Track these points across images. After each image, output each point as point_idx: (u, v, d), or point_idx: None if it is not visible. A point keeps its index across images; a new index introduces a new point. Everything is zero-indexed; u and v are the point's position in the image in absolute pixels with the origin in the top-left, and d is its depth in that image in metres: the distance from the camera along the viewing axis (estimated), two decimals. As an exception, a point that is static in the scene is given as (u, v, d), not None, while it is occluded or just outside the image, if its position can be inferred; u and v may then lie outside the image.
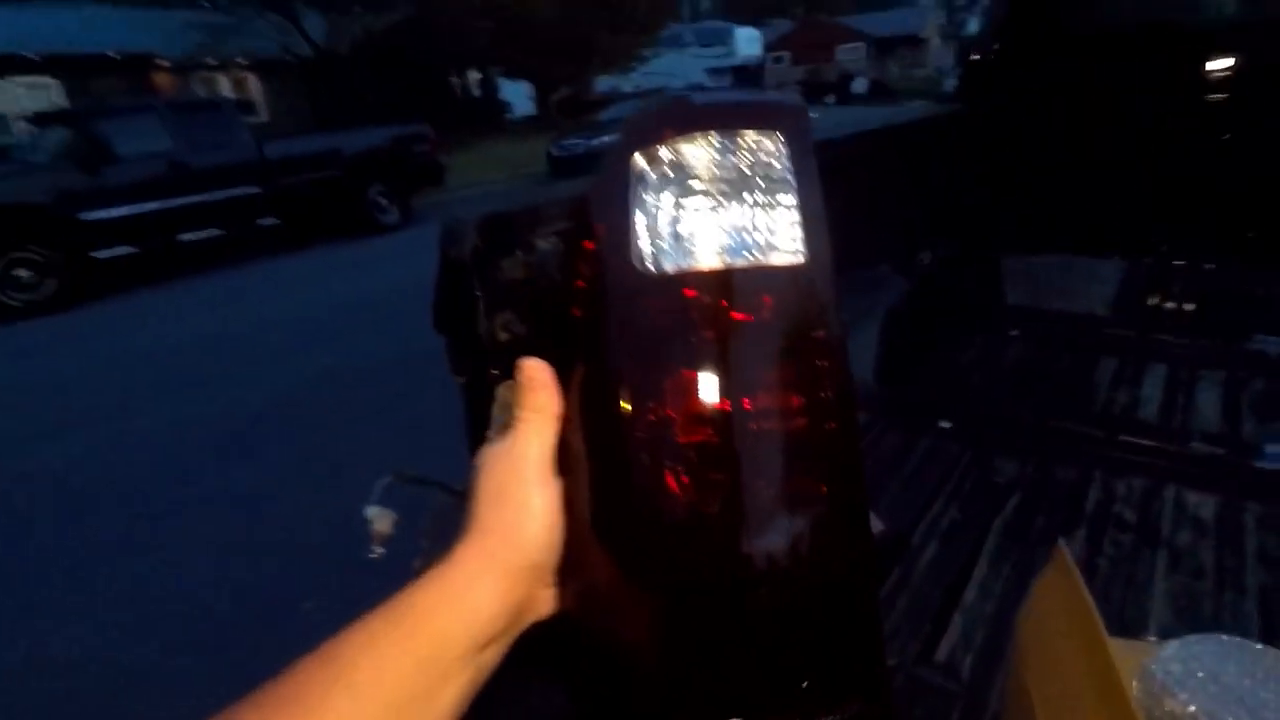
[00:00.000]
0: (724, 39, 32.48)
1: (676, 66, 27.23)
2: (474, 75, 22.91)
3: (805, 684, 0.35)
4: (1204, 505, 1.07)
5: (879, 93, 28.19)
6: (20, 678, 2.13)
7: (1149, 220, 1.97)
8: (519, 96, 23.79)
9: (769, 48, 37.49)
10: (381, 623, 0.37)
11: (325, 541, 2.44)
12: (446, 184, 10.59)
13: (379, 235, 8.99)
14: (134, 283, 7.43)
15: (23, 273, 6.71)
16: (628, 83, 23.52)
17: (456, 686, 0.38)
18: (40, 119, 8.89)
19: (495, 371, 0.62)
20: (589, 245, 0.40)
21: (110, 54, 15.28)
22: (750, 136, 0.36)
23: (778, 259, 0.35)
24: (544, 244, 0.75)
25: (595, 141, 11.85)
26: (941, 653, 0.86)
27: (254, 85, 17.31)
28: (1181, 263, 1.92)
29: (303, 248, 8.55)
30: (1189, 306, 1.83)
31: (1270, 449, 1.18)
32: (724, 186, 0.36)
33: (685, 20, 34.52)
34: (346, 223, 9.08)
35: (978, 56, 2.23)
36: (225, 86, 16.71)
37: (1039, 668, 0.62)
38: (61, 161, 7.08)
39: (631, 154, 0.37)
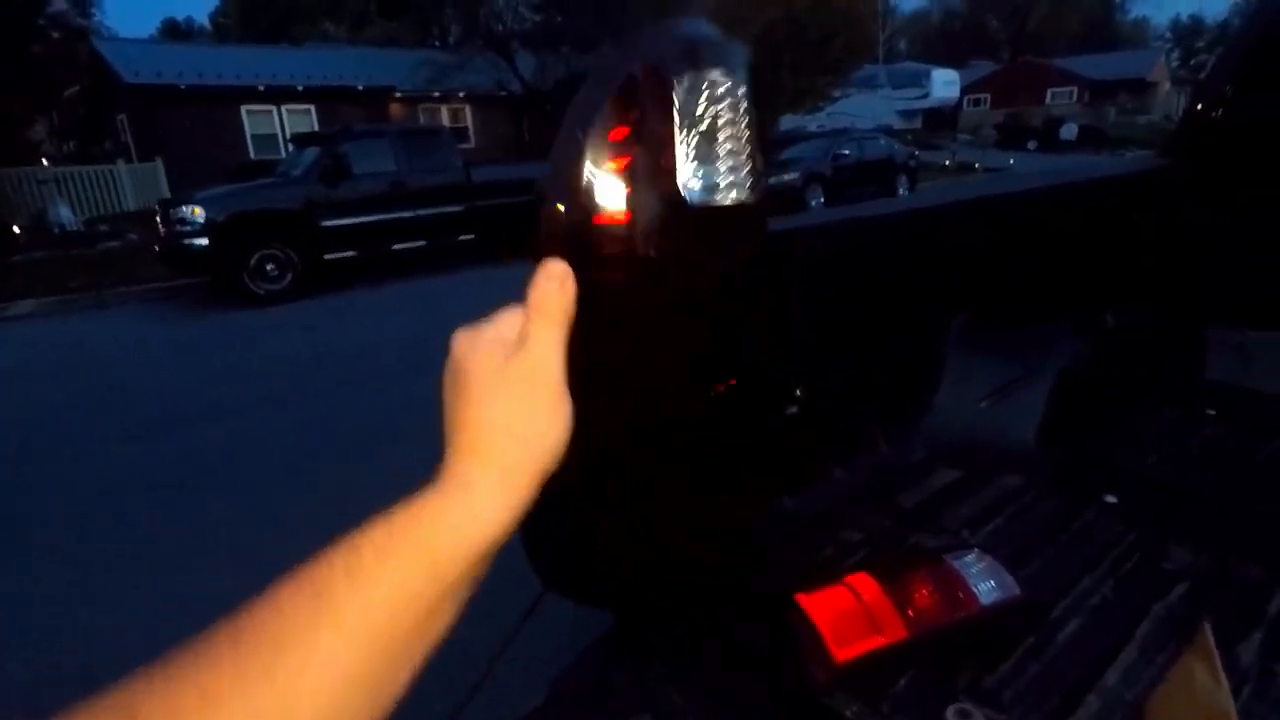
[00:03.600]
0: (919, 80, 31.34)
1: (865, 108, 26.65)
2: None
3: None
4: None
5: (1090, 139, 25.78)
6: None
7: None
8: (702, 132, 24.31)
9: (968, 90, 35.64)
10: (372, 549, 0.34)
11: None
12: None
13: (559, 256, 9.61)
14: (352, 283, 8.51)
15: (270, 267, 7.94)
16: (813, 122, 23.38)
17: (450, 614, 0.36)
18: (299, 139, 10.52)
19: None
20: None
21: (357, 86, 17.72)
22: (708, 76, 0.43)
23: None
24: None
25: (772, 180, 11.92)
26: (1070, 729, 0.82)
27: (468, 115, 19.27)
28: None
29: (493, 262, 9.35)
30: None
31: None
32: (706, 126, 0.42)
33: (881, 62, 33.75)
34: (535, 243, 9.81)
35: (1202, 105, 2.04)
36: (445, 116, 18.75)
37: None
38: (311, 176, 8.31)
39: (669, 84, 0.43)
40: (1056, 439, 1.41)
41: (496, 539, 0.36)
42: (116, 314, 8.38)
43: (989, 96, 37.29)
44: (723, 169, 0.41)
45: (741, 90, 0.42)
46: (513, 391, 0.37)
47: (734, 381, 0.44)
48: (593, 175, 0.40)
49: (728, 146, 0.42)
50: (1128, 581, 1.05)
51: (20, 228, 12.00)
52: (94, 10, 19.47)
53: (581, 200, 0.41)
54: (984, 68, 39.60)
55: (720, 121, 0.41)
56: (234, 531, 2.99)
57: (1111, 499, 1.24)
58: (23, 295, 8.72)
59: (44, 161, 16.81)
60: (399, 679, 0.34)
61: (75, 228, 12.52)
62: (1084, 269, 1.68)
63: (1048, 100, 34.90)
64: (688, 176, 0.41)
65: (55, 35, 18.00)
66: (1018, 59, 40.00)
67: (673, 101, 0.41)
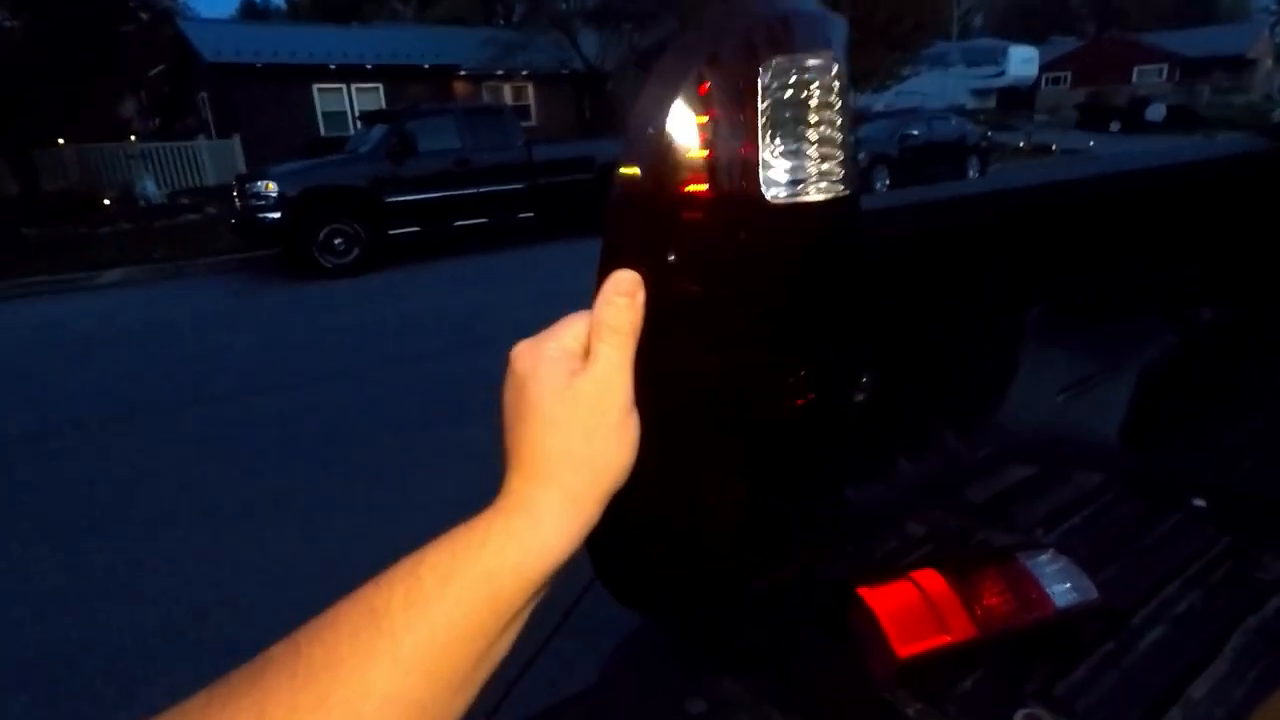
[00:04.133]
0: (994, 58, 29.93)
1: (936, 86, 25.66)
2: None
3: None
4: None
5: (1180, 120, 24.21)
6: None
7: None
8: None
9: (1047, 67, 33.90)
10: (435, 577, 0.33)
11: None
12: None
13: (617, 235, 9.62)
14: (415, 257, 8.71)
15: (338, 241, 8.18)
16: (879, 101, 22.68)
17: (510, 640, 0.35)
18: (367, 118, 10.77)
19: None
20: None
21: (423, 65, 17.98)
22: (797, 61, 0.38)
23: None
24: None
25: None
26: (1151, 743, 0.78)
27: (530, 93, 19.35)
28: None
29: (551, 239, 9.42)
30: None
31: None
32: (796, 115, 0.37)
33: (955, 38, 32.38)
34: (592, 221, 9.84)
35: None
36: (507, 94, 18.89)
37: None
38: (379, 153, 8.50)
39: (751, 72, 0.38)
40: (1140, 438, 1.34)
41: (558, 564, 0.35)
42: (193, 283, 8.80)
43: (1070, 74, 35.36)
44: (812, 161, 0.37)
45: (837, 74, 0.38)
46: (577, 413, 0.35)
47: (813, 396, 0.41)
48: (669, 168, 0.37)
49: (819, 136, 0.37)
50: (1217, 591, 0.99)
51: (110, 200, 12.67)
52: (178, -9, 20.18)
53: (656, 195, 0.38)
54: (1066, 44, 37.55)
55: (812, 108, 0.37)
56: (283, 496, 3.11)
57: (1200, 503, 1.17)
58: (112, 265, 9.23)
59: (132, 138, 17.69)
60: (456, 706, 0.34)
61: (159, 201, 13.17)
62: (1175, 259, 1.58)
63: (1134, 79, 32.91)
64: (774, 170, 0.37)
65: (144, 17, 18.79)
66: (1103, 34, 37.80)
67: (757, 87, 0.36)
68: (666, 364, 0.39)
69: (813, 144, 0.37)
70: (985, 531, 1.11)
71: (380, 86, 17.74)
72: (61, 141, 14.29)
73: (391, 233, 8.50)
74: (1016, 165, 17.04)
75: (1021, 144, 19.94)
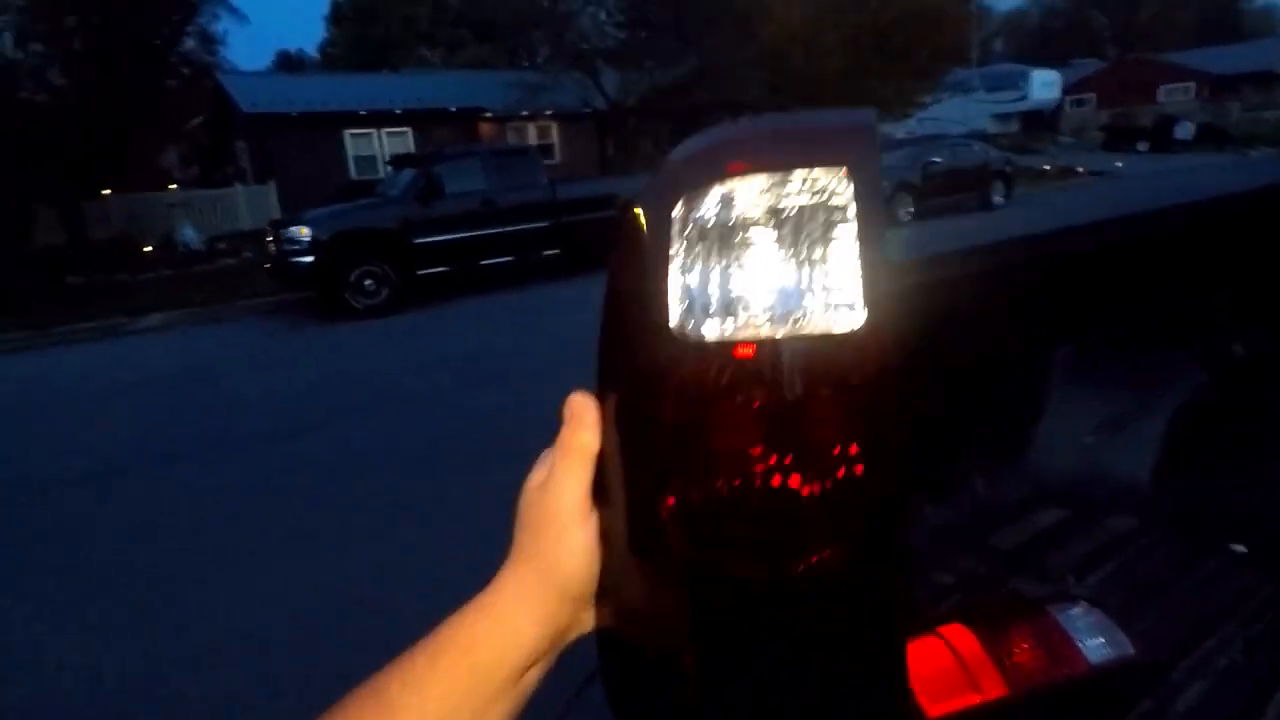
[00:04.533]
0: (1016, 83, 29.89)
1: (958, 112, 25.66)
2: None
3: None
4: None
5: (1210, 138, 23.84)
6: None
7: None
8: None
9: (1070, 90, 33.74)
10: (425, 657, 0.38)
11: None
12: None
13: (641, 270, 9.70)
14: (444, 297, 8.86)
15: (368, 282, 8.36)
16: (900, 129, 22.73)
17: (500, 712, 0.39)
18: (396, 161, 11.08)
19: None
20: (624, 307, 0.37)
21: (450, 108, 18.50)
22: (806, 175, 0.31)
23: (833, 324, 0.30)
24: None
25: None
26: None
27: (554, 132, 19.77)
28: None
29: (574, 276, 9.53)
30: None
31: None
32: (775, 237, 0.31)
33: (975, 64, 32.45)
34: (615, 258, 9.95)
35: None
36: (532, 134, 19.31)
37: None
38: (408, 196, 8.72)
39: (669, 200, 0.33)
40: (1174, 479, 1.30)
41: (531, 653, 0.39)
42: (230, 327, 9.05)
43: (1094, 96, 35.14)
44: (817, 292, 0.31)
45: (854, 202, 0.31)
46: (529, 512, 0.41)
47: (836, 549, 0.34)
48: (656, 298, 0.32)
49: (830, 267, 0.31)
50: (1260, 643, 0.96)
51: (152, 247, 13.15)
52: (218, 47, 21.13)
53: (646, 327, 0.33)
54: (1088, 66, 37.38)
55: (818, 236, 0.31)
56: (305, 538, 3.15)
57: (1240, 548, 1.13)
58: (151, 310, 9.54)
59: (172, 186, 18.40)
60: None
61: (198, 246, 13.62)
62: (1206, 292, 1.56)
63: (1160, 98, 32.59)
64: (766, 303, 0.31)
65: (185, 71, 19.67)
66: (1126, 56, 37.60)
67: (735, 211, 0.32)
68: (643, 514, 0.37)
69: (819, 275, 0.31)
70: (1014, 580, 1.09)
71: (409, 130, 18.27)
72: (107, 192, 14.91)
73: (420, 273, 8.67)
74: (1044, 189, 16.90)
75: (1047, 167, 19.79)
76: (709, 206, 0.32)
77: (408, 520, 3.24)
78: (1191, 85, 33.17)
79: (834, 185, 0.31)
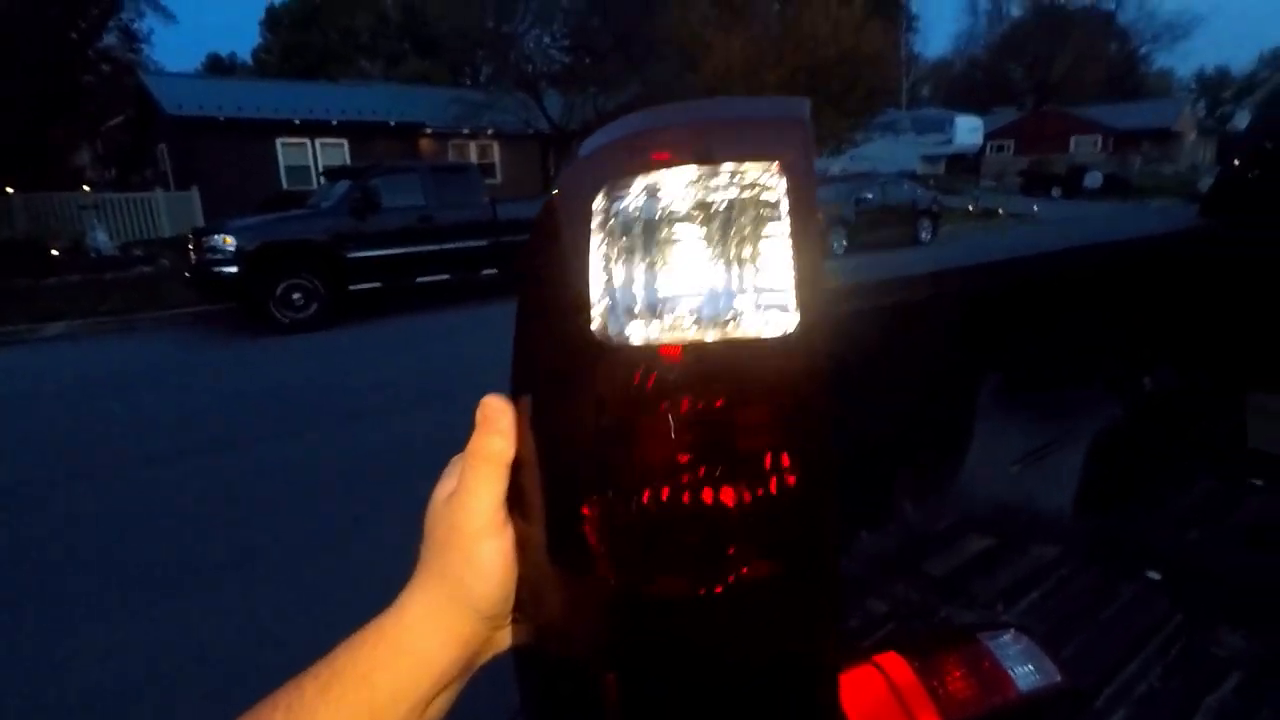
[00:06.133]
0: (943, 126, 31.51)
1: (888, 152, 26.83)
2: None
3: None
4: None
5: (1115, 188, 25.70)
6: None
7: None
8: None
9: (991, 136, 35.82)
10: (315, 685, 0.34)
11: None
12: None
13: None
14: (375, 313, 8.60)
15: (296, 296, 8.05)
16: (835, 165, 23.58)
17: None
18: (330, 173, 10.76)
19: None
20: (540, 306, 0.34)
21: (389, 122, 18.17)
22: (736, 169, 0.29)
23: (765, 327, 0.29)
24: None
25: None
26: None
27: (495, 152, 19.65)
28: None
29: (513, 296, 9.40)
30: None
31: None
32: (703, 233, 0.29)
33: (905, 107, 34.09)
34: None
35: (1239, 164, 1.99)
36: (473, 152, 19.14)
37: None
38: (341, 208, 8.47)
39: (589, 191, 0.30)
40: (1094, 508, 1.35)
41: (439, 678, 0.36)
42: (143, 338, 8.53)
43: (1013, 143, 37.40)
44: (748, 292, 0.29)
45: (786, 197, 0.29)
46: (437, 527, 0.37)
47: (767, 563, 0.32)
48: (589, 291, 0.30)
49: (761, 266, 0.29)
50: (1176, 669, 0.99)
51: (58, 251, 12.33)
52: (142, 46, 20.22)
53: (565, 328, 0.31)
54: (1007, 114, 39.81)
55: (749, 233, 0.29)
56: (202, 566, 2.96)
57: (1155, 575, 1.18)
58: (55, 318, 8.90)
59: (85, 188, 17.36)
60: None
61: (111, 252, 12.84)
62: (1119, 330, 1.64)
63: (1071, 148, 34.92)
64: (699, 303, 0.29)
65: (105, 68, 18.72)
66: (1041, 107, 40.21)
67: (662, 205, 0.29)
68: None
69: (754, 274, 0.29)
70: (946, 608, 1.10)
71: (345, 142, 17.83)
72: (10, 190, 13.95)
73: (352, 288, 8.40)
74: (967, 227, 17.77)
75: (970, 207, 20.84)
76: (633, 198, 0.29)
77: (318, 552, 3.08)
78: (1098, 138, 35.70)
79: (766, 180, 0.28)
